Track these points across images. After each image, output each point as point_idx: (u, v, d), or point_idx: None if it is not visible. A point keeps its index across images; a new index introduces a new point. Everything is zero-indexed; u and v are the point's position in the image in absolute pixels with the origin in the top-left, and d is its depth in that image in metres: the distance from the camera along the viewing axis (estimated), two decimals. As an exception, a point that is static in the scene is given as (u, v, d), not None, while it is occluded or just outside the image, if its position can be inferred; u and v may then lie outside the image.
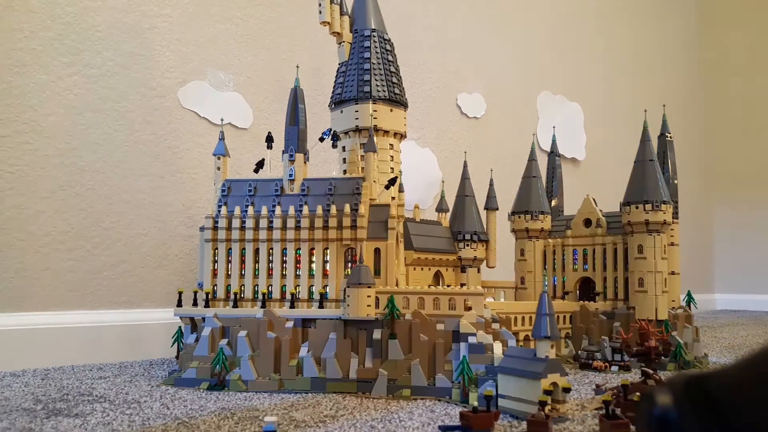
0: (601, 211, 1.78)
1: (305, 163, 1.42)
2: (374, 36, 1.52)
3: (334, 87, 1.56)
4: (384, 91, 1.49)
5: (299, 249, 1.36)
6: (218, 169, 1.44)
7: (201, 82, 1.82)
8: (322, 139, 1.47)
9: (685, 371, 1.49)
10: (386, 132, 1.50)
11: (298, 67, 1.51)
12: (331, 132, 1.48)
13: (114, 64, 1.67)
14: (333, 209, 1.35)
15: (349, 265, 1.34)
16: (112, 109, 1.66)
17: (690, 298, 1.76)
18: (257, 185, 1.42)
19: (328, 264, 1.35)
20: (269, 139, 1.45)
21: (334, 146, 1.51)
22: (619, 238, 1.70)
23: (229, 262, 1.38)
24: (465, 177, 1.82)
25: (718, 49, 4.18)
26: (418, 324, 1.23)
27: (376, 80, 1.49)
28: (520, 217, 1.82)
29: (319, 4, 1.47)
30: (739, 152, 4.02)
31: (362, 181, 1.38)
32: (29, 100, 1.54)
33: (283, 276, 1.36)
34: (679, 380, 0.41)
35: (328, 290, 1.34)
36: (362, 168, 1.44)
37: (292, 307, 1.32)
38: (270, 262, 1.37)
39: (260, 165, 1.45)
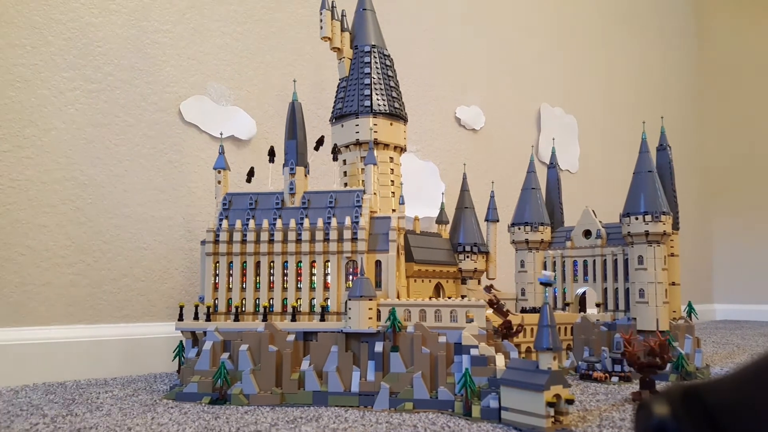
0: (600, 222, 1.79)
1: (306, 176, 1.43)
2: (374, 51, 1.54)
3: (335, 102, 1.57)
4: (384, 106, 1.50)
5: (300, 262, 1.36)
6: (219, 182, 1.45)
7: (202, 97, 1.83)
8: (316, 148, 1.48)
9: (683, 381, 1.48)
10: (386, 145, 1.51)
11: (295, 81, 1.52)
12: (320, 138, 1.49)
13: (115, 79, 1.68)
14: (334, 222, 1.35)
15: (350, 277, 1.34)
16: (113, 123, 1.67)
17: (691, 309, 1.76)
18: (258, 198, 1.42)
19: (329, 277, 1.35)
20: (271, 153, 1.46)
21: (335, 159, 1.52)
22: (620, 249, 1.71)
23: (230, 275, 1.39)
24: (464, 189, 1.82)
25: (716, 60, 4.21)
26: (420, 336, 1.23)
27: (377, 95, 1.50)
28: (519, 229, 1.82)
29: (321, 20, 1.49)
30: (738, 162, 4.04)
31: (362, 193, 1.39)
32: (30, 115, 1.54)
33: (284, 289, 1.36)
34: (676, 390, 0.41)
35: (329, 303, 1.34)
36: (362, 181, 1.45)
37: (293, 320, 1.32)
38: (271, 275, 1.37)
39: (251, 174, 1.47)
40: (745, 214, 3.98)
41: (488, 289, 1.27)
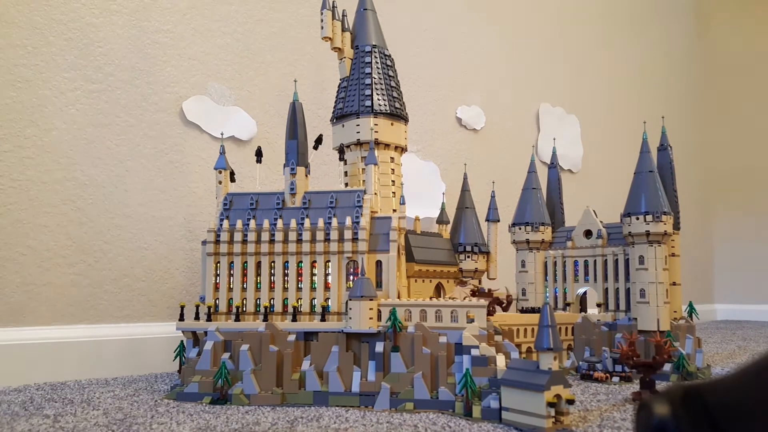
0: (601, 222, 1.78)
1: (306, 176, 1.43)
2: (375, 51, 1.54)
3: (335, 102, 1.57)
4: (385, 105, 1.50)
5: (301, 262, 1.36)
6: (219, 182, 1.45)
7: (203, 97, 1.83)
8: (315, 147, 1.48)
9: (683, 381, 1.48)
10: (387, 145, 1.51)
11: (295, 81, 1.52)
12: (319, 137, 1.49)
13: (116, 79, 1.68)
14: (334, 222, 1.35)
15: (351, 277, 1.34)
16: (113, 123, 1.67)
17: (692, 309, 1.76)
18: (259, 198, 1.43)
19: (329, 277, 1.35)
20: (258, 153, 1.47)
21: (341, 158, 1.52)
22: (620, 249, 1.71)
23: (231, 275, 1.39)
24: (465, 189, 1.82)
25: (717, 60, 4.21)
26: (421, 336, 1.23)
27: (378, 94, 1.50)
28: (520, 229, 1.82)
29: (321, 20, 1.49)
30: (739, 162, 4.03)
31: (363, 193, 1.39)
32: (31, 115, 1.54)
33: (285, 289, 1.36)
34: (677, 390, 0.41)
35: (330, 303, 1.34)
36: (363, 181, 1.45)
37: (294, 320, 1.32)
38: (272, 275, 1.38)
39: (232, 173, 1.48)
40: (746, 213, 3.98)
41: (463, 283, 1.28)
